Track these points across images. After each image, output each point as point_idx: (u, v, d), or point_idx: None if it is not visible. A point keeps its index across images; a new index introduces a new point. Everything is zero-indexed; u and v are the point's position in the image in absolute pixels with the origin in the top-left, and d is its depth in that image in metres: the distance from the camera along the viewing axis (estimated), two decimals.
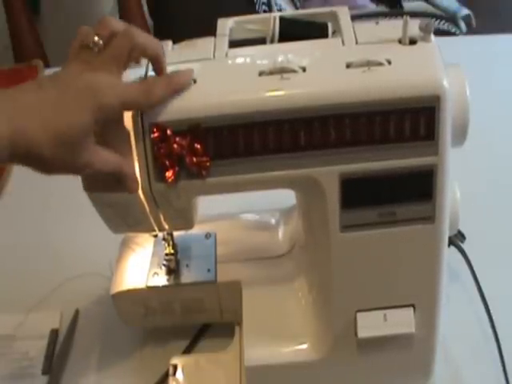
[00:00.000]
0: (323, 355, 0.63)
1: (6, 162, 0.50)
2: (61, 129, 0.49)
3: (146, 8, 1.49)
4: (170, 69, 0.56)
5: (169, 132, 0.53)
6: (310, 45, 0.58)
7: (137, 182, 0.55)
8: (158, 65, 0.54)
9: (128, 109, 0.53)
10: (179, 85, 0.53)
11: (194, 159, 0.54)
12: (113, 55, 0.52)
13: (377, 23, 0.59)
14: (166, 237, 0.70)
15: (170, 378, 0.68)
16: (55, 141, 0.49)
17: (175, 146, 0.54)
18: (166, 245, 0.70)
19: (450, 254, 0.61)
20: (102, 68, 0.51)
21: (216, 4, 1.35)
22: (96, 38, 0.52)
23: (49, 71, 1.19)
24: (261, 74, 0.54)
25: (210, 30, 0.60)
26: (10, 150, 0.48)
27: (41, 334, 0.76)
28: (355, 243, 0.58)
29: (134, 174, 0.55)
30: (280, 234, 0.73)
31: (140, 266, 0.71)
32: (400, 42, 0.56)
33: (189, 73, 0.54)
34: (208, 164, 0.54)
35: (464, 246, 0.73)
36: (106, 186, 0.56)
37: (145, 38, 0.53)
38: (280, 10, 1.56)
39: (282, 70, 0.54)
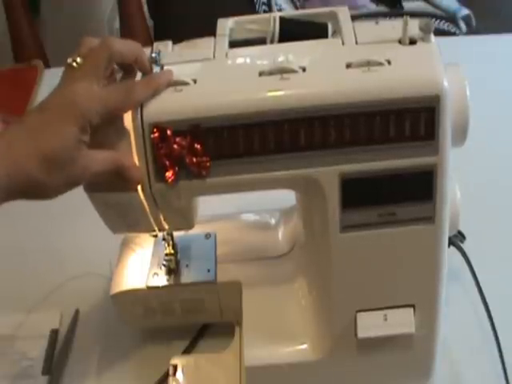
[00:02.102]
0: (323, 355, 0.63)
1: (4, 200, 0.51)
2: (49, 150, 0.50)
3: (146, 8, 1.49)
4: (169, 69, 0.56)
5: (169, 132, 0.53)
6: (309, 45, 0.58)
7: (139, 170, 0.55)
8: (141, 67, 0.56)
9: (110, 112, 0.53)
10: (159, 84, 0.54)
11: (194, 159, 0.54)
12: (90, 65, 0.53)
13: (377, 23, 0.59)
14: (165, 237, 0.70)
15: (170, 378, 0.68)
16: (48, 163, 0.50)
17: (175, 146, 0.54)
18: (166, 245, 0.70)
19: (450, 254, 0.61)
20: (80, 79, 0.52)
21: (216, 4, 1.35)
22: (75, 56, 0.54)
23: (49, 71, 1.20)
24: (261, 74, 0.54)
25: (210, 30, 0.60)
26: (8, 187, 0.50)
27: (41, 333, 0.76)
28: (355, 243, 0.58)
29: (135, 164, 0.55)
30: (280, 234, 0.73)
31: (140, 266, 0.71)
32: (400, 42, 0.56)
33: (168, 73, 0.55)
34: (208, 164, 0.55)
35: (464, 246, 0.73)
36: (106, 186, 0.56)
37: (122, 44, 0.54)
38: (280, 10, 1.56)
39: (281, 70, 0.54)
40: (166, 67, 0.57)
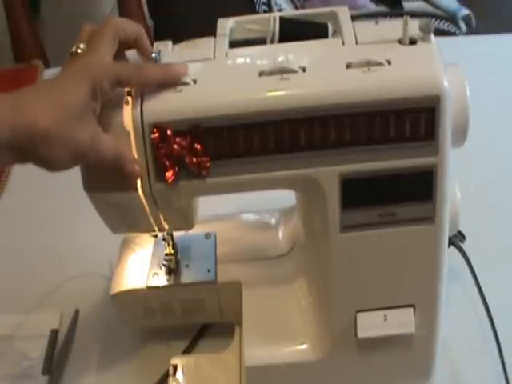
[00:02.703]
0: (323, 355, 0.63)
1: (7, 159, 0.50)
2: (59, 100, 0.50)
3: (146, 8, 1.49)
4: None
5: (169, 132, 0.53)
6: (310, 45, 0.58)
7: (138, 165, 0.55)
8: (141, 46, 0.56)
9: (120, 83, 0.53)
10: (172, 73, 0.54)
11: (194, 159, 0.54)
12: (97, 40, 0.53)
13: (377, 23, 0.59)
14: (165, 237, 0.70)
15: (170, 378, 0.68)
16: (55, 113, 0.50)
17: (175, 146, 0.54)
18: (166, 245, 0.70)
19: (450, 254, 0.61)
20: (90, 52, 0.53)
21: (216, 4, 1.35)
22: (81, 45, 0.54)
23: (49, 71, 1.20)
24: (261, 74, 0.54)
25: (210, 30, 0.60)
26: (11, 142, 0.49)
27: (41, 333, 0.76)
28: (355, 243, 0.58)
29: (134, 159, 0.55)
30: (280, 234, 0.73)
31: (140, 266, 0.71)
32: (400, 42, 0.56)
33: (184, 66, 0.55)
34: (208, 164, 0.55)
35: (464, 246, 0.73)
36: (106, 186, 0.56)
37: (124, 21, 0.55)
38: (280, 10, 1.56)
39: (282, 71, 0.54)
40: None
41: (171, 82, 0.54)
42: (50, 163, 0.51)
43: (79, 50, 0.54)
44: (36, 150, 0.50)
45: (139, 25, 0.56)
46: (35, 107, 0.49)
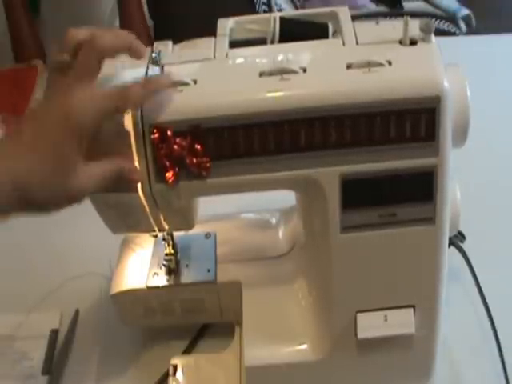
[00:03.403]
0: (323, 355, 0.63)
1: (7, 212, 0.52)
2: (48, 164, 0.50)
3: (146, 8, 1.48)
4: (170, 69, 0.56)
5: (169, 133, 0.53)
6: (310, 45, 0.58)
7: (139, 172, 0.55)
8: (136, 54, 0.55)
9: (107, 116, 0.52)
10: (157, 87, 0.53)
11: (195, 160, 0.54)
12: (82, 67, 0.52)
13: (377, 23, 0.59)
14: (165, 237, 0.70)
15: (170, 378, 0.68)
16: (47, 178, 0.50)
17: (175, 146, 0.54)
18: (166, 245, 0.70)
19: (450, 254, 0.61)
20: (74, 83, 0.51)
21: (216, 4, 1.34)
22: (65, 56, 0.52)
23: None
24: (261, 74, 0.54)
25: (210, 30, 0.60)
26: (9, 195, 0.50)
27: (41, 333, 0.76)
28: (355, 244, 0.58)
29: (134, 166, 0.55)
30: (280, 233, 0.73)
31: (140, 266, 0.71)
32: (400, 42, 0.56)
33: (167, 76, 0.54)
34: (208, 165, 0.54)
35: (464, 246, 0.73)
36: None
37: (111, 37, 0.53)
38: (280, 10, 1.56)
39: (282, 71, 0.54)
40: (166, 68, 0.57)
41: (155, 90, 0.53)
42: (46, 212, 0.53)
43: (65, 68, 0.52)
44: (33, 205, 0.52)
45: (126, 32, 0.54)
46: (25, 172, 0.50)
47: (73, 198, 0.53)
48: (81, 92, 0.51)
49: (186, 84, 0.54)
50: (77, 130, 0.50)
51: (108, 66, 0.55)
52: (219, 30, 0.60)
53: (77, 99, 0.51)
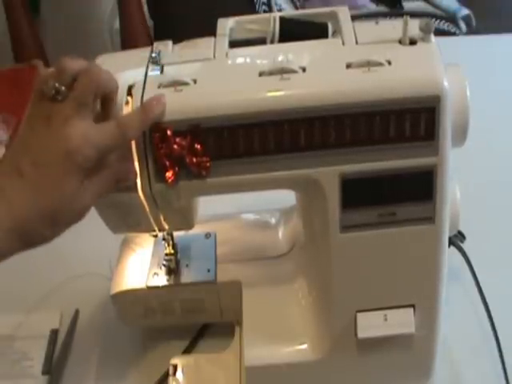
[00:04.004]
0: (323, 355, 0.63)
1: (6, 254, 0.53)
2: (52, 208, 0.51)
3: (146, 8, 1.49)
4: (170, 69, 0.56)
5: (169, 132, 0.53)
6: (310, 45, 0.58)
7: (134, 170, 0.55)
8: (109, 102, 0.54)
9: (108, 152, 0.52)
10: (153, 113, 0.52)
11: (194, 159, 0.54)
12: (80, 99, 0.51)
13: (377, 23, 0.59)
14: (165, 237, 0.70)
15: (170, 378, 0.68)
16: (51, 220, 0.52)
17: (175, 146, 0.54)
18: (166, 245, 0.70)
19: (450, 254, 0.61)
20: (71, 116, 0.50)
21: (216, 4, 1.34)
22: (57, 85, 0.51)
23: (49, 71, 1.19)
24: (261, 74, 0.54)
25: (210, 30, 0.60)
26: (10, 238, 0.51)
27: (41, 333, 0.77)
28: (355, 243, 0.58)
29: (133, 169, 0.55)
30: (280, 234, 0.73)
31: (140, 266, 0.71)
32: (400, 42, 0.56)
33: (161, 98, 0.53)
34: (208, 164, 0.54)
35: (464, 246, 0.73)
36: None
37: (106, 77, 0.52)
38: (280, 10, 1.56)
39: (282, 71, 0.54)
40: (166, 68, 0.57)
41: (152, 120, 0.52)
42: (45, 243, 0.55)
43: (59, 97, 0.51)
44: (34, 243, 0.54)
45: (116, 80, 0.53)
46: (27, 218, 0.51)
47: (78, 217, 0.54)
48: (80, 129, 0.50)
49: (186, 84, 0.54)
50: (77, 169, 0.50)
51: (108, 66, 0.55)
52: (219, 30, 0.60)
53: (78, 136, 0.50)
